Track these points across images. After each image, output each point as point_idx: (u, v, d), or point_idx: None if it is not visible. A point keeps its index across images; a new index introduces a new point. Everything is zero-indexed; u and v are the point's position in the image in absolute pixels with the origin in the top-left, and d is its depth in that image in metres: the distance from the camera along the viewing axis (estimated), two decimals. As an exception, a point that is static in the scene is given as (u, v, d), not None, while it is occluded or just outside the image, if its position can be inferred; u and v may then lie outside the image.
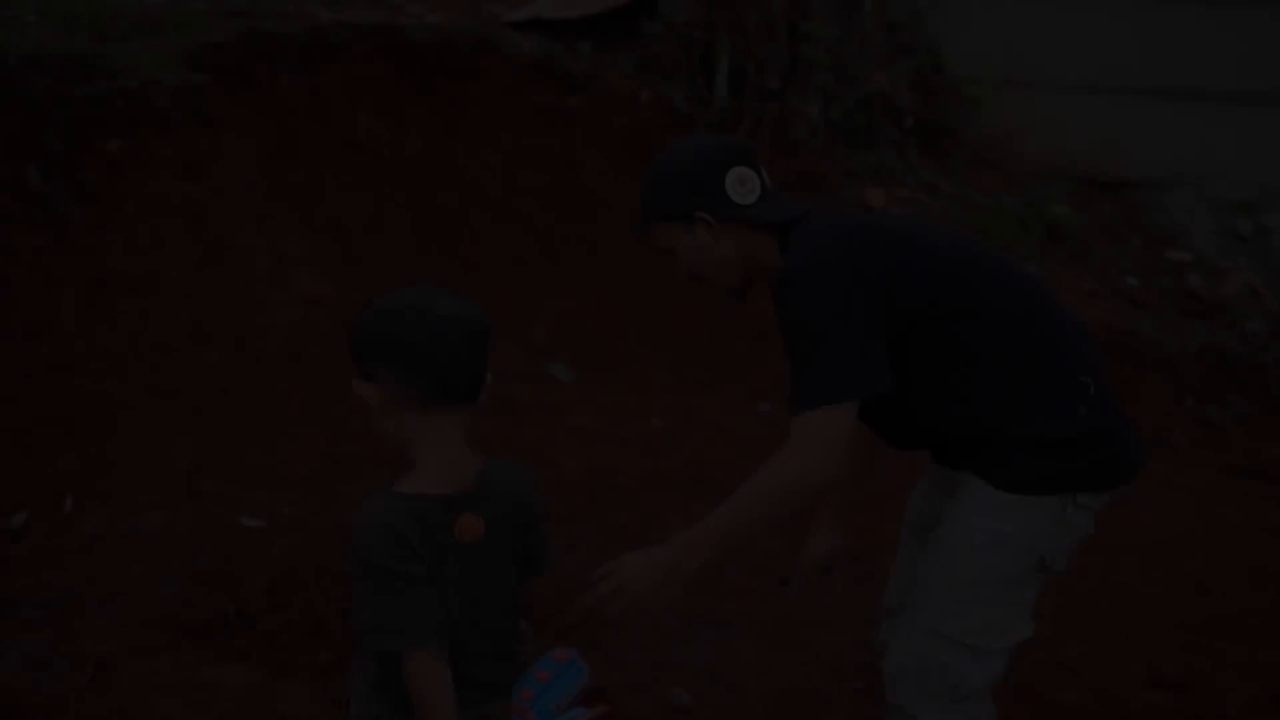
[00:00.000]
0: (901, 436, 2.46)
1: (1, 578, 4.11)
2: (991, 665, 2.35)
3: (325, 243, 6.44)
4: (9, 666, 3.59)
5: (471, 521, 1.95)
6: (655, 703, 3.60)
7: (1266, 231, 7.72)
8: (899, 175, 7.30)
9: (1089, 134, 7.71)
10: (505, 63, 7.11)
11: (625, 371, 6.66)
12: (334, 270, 5.79)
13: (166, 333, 5.16)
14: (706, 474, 5.24)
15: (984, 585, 2.28)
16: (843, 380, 2.13)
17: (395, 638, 1.87)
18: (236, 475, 4.91)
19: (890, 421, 2.39)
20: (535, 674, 2.61)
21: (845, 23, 7.27)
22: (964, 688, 2.31)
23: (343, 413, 5.30)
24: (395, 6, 7.33)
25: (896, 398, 2.21)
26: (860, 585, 3.85)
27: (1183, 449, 6.25)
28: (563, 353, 6.77)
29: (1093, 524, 2.36)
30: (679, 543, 2.17)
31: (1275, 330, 7.01)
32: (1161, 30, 7.72)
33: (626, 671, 3.66)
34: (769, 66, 7.11)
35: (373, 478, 4.46)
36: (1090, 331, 2.75)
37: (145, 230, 5.32)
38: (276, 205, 5.76)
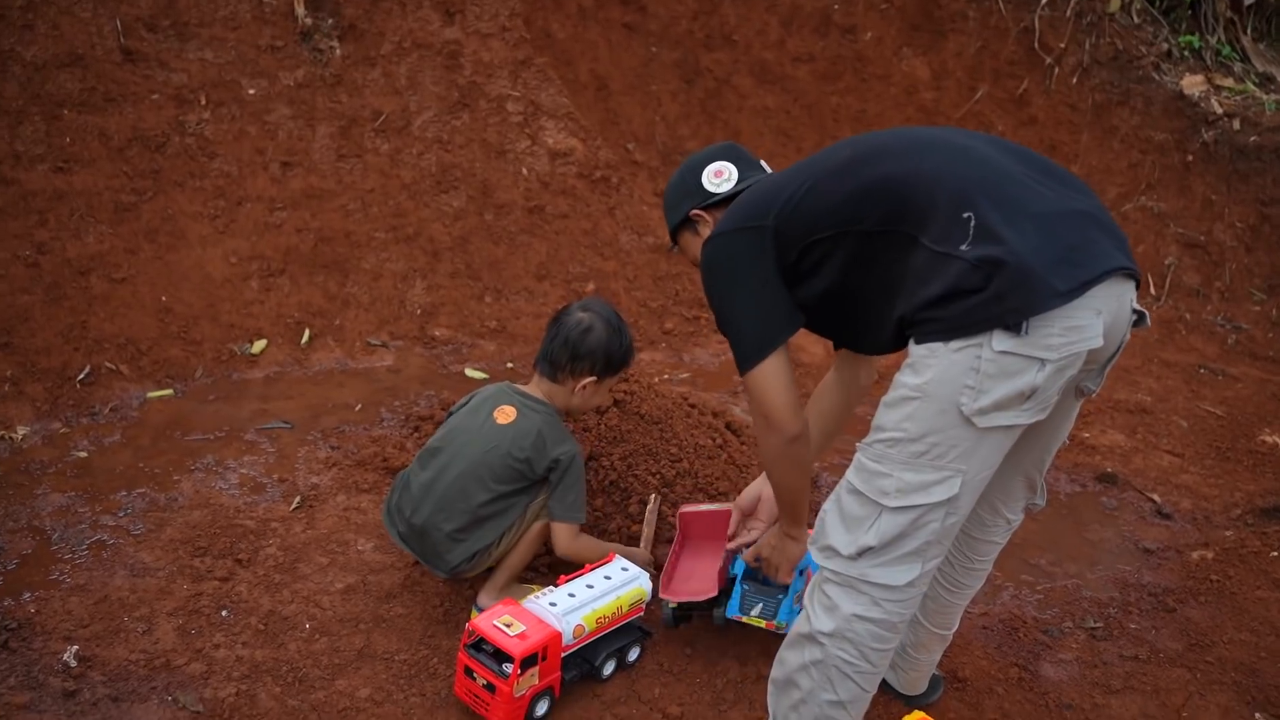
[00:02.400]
0: (874, 342, 2.49)
1: (235, 400, 4.19)
2: (896, 523, 2.28)
3: (584, 98, 6.25)
4: (227, 486, 3.64)
5: None
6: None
7: None
8: (1225, 62, 6.41)
9: None
10: (789, -84, 6.63)
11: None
12: (586, 126, 5.57)
13: (413, 175, 5.11)
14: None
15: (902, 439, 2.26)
16: (758, 339, 2.46)
17: None
18: (467, 324, 4.85)
19: (858, 336, 2.56)
20: None
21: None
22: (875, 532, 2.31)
23: (580, 271, 5.14)
24: None
25: (847, 311, 2.44)
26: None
27: None
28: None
29: (1048, 374, 2.16)
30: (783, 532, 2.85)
31: None
32: None
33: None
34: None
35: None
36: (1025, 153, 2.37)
37: (401, 70, 5.25)
38: (537, 55, 5.58)
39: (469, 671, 2.76)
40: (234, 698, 2.77)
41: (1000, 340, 2.13)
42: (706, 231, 2.71)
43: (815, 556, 2.39)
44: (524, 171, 5.28)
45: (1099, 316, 2.18)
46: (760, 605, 2.99)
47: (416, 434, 4.00)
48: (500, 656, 2.74)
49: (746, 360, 2.48)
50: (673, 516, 3.46)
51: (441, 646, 3.01)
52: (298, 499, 3.60)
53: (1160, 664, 3.22)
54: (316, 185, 4.96)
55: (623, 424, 3.72)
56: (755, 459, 3.88)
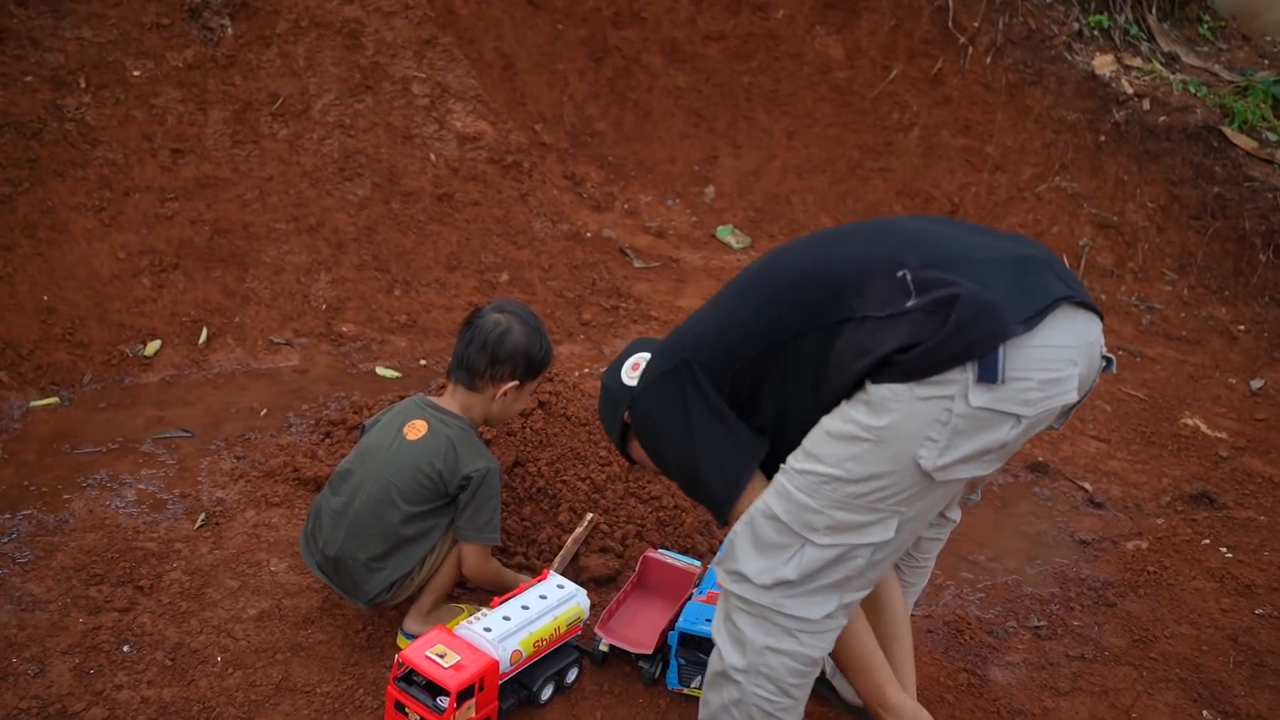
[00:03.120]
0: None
1: (128, 407, 3.91)
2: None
3: (490, 78, 6.02)
4: (124, 504, 3.38)
5: None
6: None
7: None
8: (1133, 42, 6.43)
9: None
10: (697, -111, 6.46)
11: (800, 241, 6.10)
12: (496, 108, 5.35)
13: (314, 162, 4.83)
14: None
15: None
16: (728, 476, 2.25)
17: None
18: (375, 319, 4.61)
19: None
20: None
21: None
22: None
23: (493, 261, 4.94)
24: None
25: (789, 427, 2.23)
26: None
27: None
28: (735, 214, 6.26)
29: (1021, 430, 2.04)
30: None
31: None
32: None
33: None
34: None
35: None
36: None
37: (299, 50, 4.96)
38: (441, 34, 5.32)
39: (400, 707, 2.57)
40: (141, 745, 2.54)
41: (977, 395, 1.97)
42: None
43: (721, 578, 2.24)
44: (432, 157, 5.04)
45: (1076, 368, 2.06)
46: (700, 678, 2.80)
47: (328, 440, 3.77)
48: (434, 689, 2.56)
49: (724, 503, 2.27)
50: (612, 539, 3.31)
51: (366, 676, 2.81)
52: (202, 516, 3.35)
53: (1106, 662, 3.17)
54: (210, 174, 4.66)
55: (548, 427, 3.55)
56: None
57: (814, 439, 2.13)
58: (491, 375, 2.87)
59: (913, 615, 3.25)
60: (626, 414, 2.49)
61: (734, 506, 2.26)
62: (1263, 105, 6.05)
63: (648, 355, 2.49)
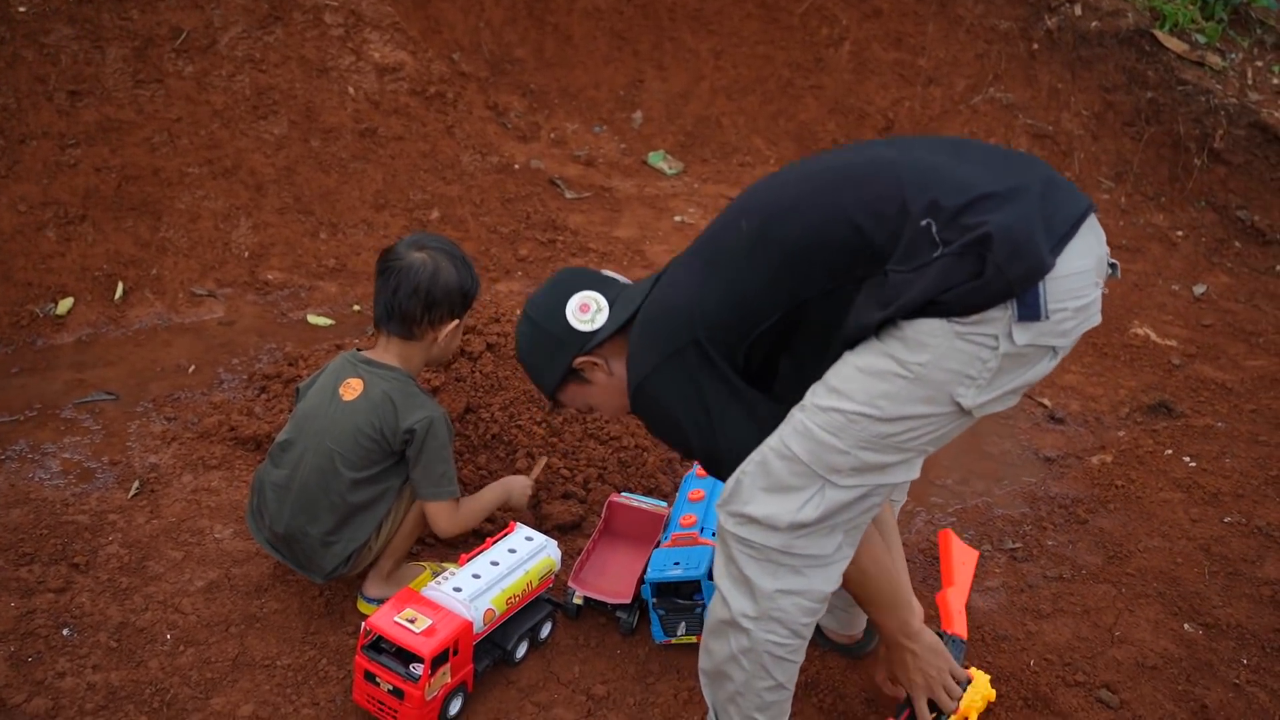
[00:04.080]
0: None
1: (43, 371, 3.65)
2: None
3: (401, 5, 5.72)
4: (49, 475, 3.15)
5: None
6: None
7: None
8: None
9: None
10: None
11: (735, 162, 5.95)
12: (414, 37, 5.08)
13: (225, 100, 4.54)
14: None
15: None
16: (736, 450, 2.09)
17: None
18: (302, 265, 4.37)
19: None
20: None
21: None
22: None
23: (421, 198, 4.71)
24: None
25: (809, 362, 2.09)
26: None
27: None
28: (665, 140, 6.07)
29: (1056, 361, 2.00)
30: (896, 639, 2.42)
31: None
32: None
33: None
34: None
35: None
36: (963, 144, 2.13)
37: (200, -20, 4.65)
38: (349, -42, 5.03)
39: (370, 677, 2.42)
40: (91, 737, 2.36)
41: (1021, 333, 1.90)
42: (601, 376, 2.33)
43: (724, 521, 2.11)
44: (350, 91, 4.77)
45: (1098, 289, 2.00)
46: (684, 624, 2.70)
47: (264, 395, 3.55)
48: (406, 656, 2.41)
49: (735, 455, 2.11)
50: (573, 484, 3.17)
51: (329, 645, 2.65)
52: (136, 484, 3.14)
53: (1084, 581, 3.12)
54: (113, 116, 4.35)
55: (499, 370, 3.38)
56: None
57: (841, 374, 2.00)
58: (430, 320, 2.66)
59: (887, 544, 3.18)
60: (577, 361, 2.30)
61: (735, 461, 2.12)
62: (1190, 7, 6.00)
63: (596, 295, 2.30)
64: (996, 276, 1.86)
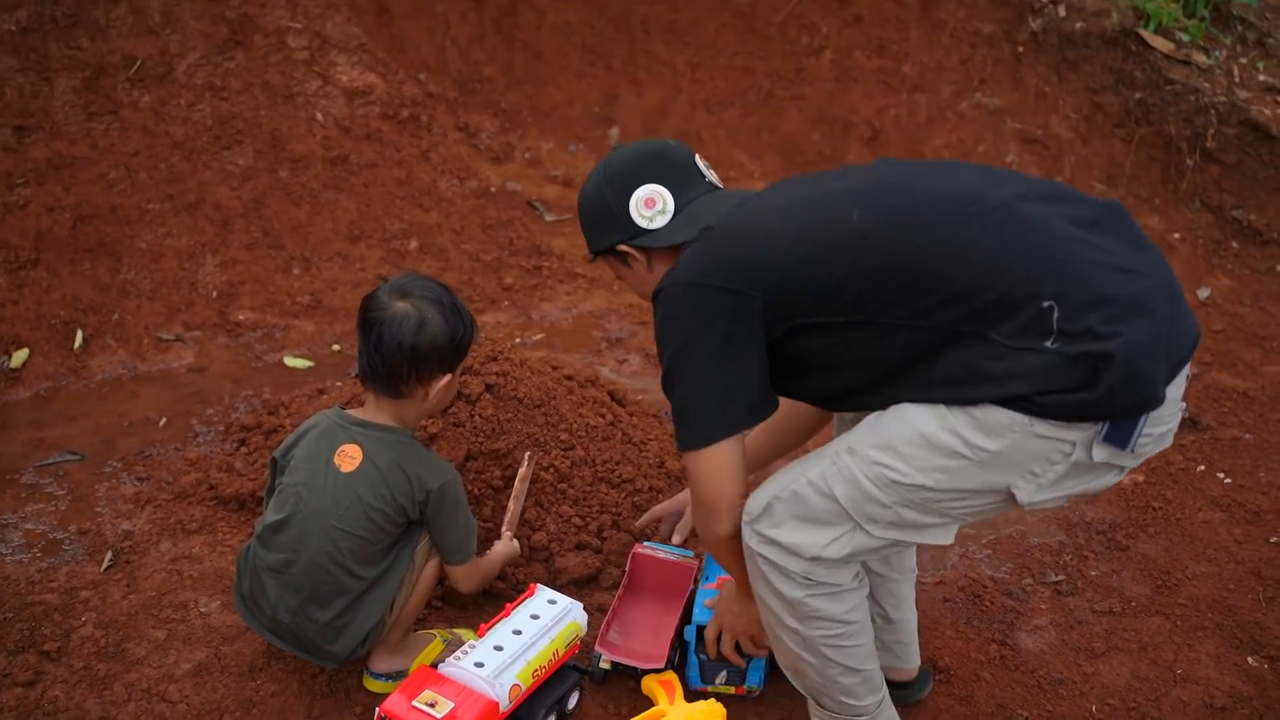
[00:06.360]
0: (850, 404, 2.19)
1: (0, 430, 3.37)
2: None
3: (363, 25, 5.48)
4: (10, 550, 2.88)
5: None
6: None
7: None
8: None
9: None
10: None
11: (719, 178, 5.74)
12: (382, 58, 4.84)
13: (185, 131, 4.28)
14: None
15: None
16: (710, 421, 2.03)
17: None
18: (275, 303, 4.11)
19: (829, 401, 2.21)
20: None
21: None
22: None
23: (399, 227, 4.47)
24: None
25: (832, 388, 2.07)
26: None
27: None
28: (643, 157, 5.85)
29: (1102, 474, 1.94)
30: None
31: None
32: None
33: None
34: None
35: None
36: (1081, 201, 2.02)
37: (154, 4, 4.37)
38: (309, -22, 4.78)
39: (387, 768, 2.18)
40: None
41: (1100, 451, 1.86)
42: (640, 269, 2.23)
43: (750, 539, 2.05)
44: (318, 117, 4.52)
45: (1180, 414, 1.98)
46: (724, 673, 2.52)
47: (244, 449, 3.29)
48: (426, 745, 2.17)
49: (692, 440, 2.06)
50: (587, 533, 2.95)
51: (335, 729, 2.40)
52: (109, 555, 2.87)
53: (1135, 614, 2.93)
54: (65, 152, 4.08)
55: (499, 413, 3.13)
56: (649, 432, 3.38)
57: (900, 433, 1.89)
58: (418, 377, 2.38)
59: (926, 583, 2.98)
60: (621, 246, 2.20)
61: (697, 452, 2.06)
62: (1173, 4, 5.88)
63: (667, 194, 2.16)
64: (1105, 399, 1.78)
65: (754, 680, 2.52)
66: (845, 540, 1.99)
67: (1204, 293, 4.95)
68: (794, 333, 1.99)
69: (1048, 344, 1.79)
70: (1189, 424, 3.83)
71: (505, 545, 2.72)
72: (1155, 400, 1.81)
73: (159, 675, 2.50)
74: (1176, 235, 5.37)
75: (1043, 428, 1.82)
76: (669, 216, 2.17)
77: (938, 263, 1.87)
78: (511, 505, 2.81)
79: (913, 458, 1.88)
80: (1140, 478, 3.52)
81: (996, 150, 5.67)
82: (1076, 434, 1.83)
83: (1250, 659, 2.79)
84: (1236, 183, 5.47)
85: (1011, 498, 1.91)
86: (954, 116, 5.76)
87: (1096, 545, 3.21)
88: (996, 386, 1.82)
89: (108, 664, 2.52)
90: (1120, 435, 1.84)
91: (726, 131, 5.94)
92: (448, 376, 2.42)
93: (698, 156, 2.24)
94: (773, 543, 2.02)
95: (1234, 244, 5.34)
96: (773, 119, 5.92)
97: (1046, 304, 1.80)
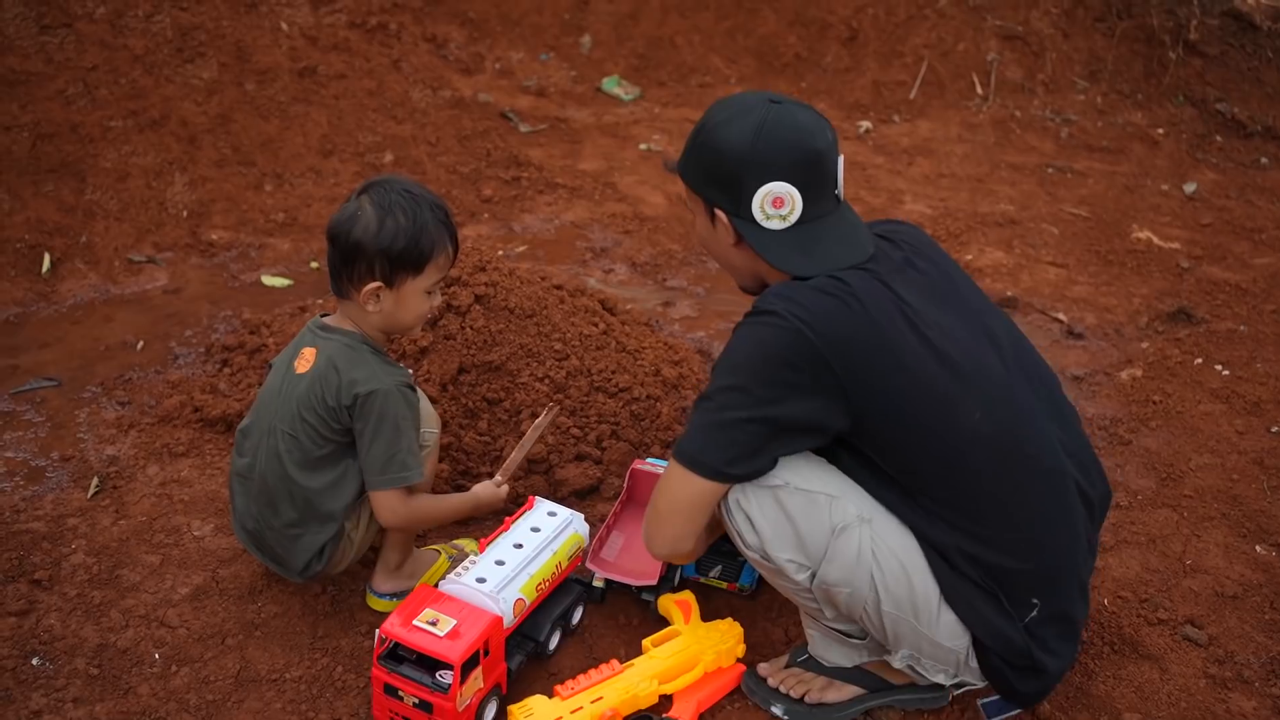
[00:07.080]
0: None
1: (-30, 360, 3.26)
2: None
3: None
4: (-10, 478, 2.78)
5: None
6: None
7: None
8: None
9: None
10: None
11: (693, 84, 5.62)
12: (344, -37, 4.66)
13: (145, 44, 4.10)
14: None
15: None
16: (713, 457, 2.01)
17: None
18: (248, 221, 3.99)
19: None
20: None
21: None
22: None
23: (372, 140, 4.33)
24: None
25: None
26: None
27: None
28: (617, 64, 5.71)
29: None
30: None
31: None
32: None
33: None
34: None
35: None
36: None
37: (105, -89, 4.17)
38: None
39: (391, 690, 2.11)
40: (83, 784, 2.05)
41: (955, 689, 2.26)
42: (724, 236, 2.10)
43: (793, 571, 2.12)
44: (284, 26, 4.35)
45: None
46: (719, 567, 2.50)
47: (227, 369, 3.20)
48: (430, 664, 2.11)
49: (687, 456, 2.03)
50: (586, 443, 2.88)
51: (342, 649, 2.34)
52: (95, 481, 2.78)
53: (1143, 508, 2.91)
54: (19, 68, 3.90)
55: (491, 324, 3.05)
56: (643, 340, 3.31)
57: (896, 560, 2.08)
58: (349, 276, 2.24)
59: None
60: (721, 215, 2.07)
61: (684, 468, 2.03)
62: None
63: (799, 199, 2.02)
64: (1012, 693, 2.16)
65: (747, 580, 2.49)
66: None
67: (1190, 187, 4.90)
68: (839, 443, 2.04)
69: (1023, 625, 2.06)
70: (1183, 316, 3.80)
71: (487, 490, 2.54)
72: (1031, 701, 2.23)
73: (156, 600, 2.43)
74: (1160, 130, 5.31)
75: (973, 662, 2.11)
76: (787, 225, 2.05)
77: (995, 509, 2.02)
78: (515, 452, 2.65)
79: (849, 577, 2.07)
80: (1139, 372, 3.49)
81: (977, 48, 5.56)
82: (968, 680, 2.16)
83: (1258, 547, 2.78)
84: (1220, 75, 5.41)
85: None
86: (933, 15, 5.63)
87: (1099, 440, 3.18)
88: (971, 621, 2.07)
89: (102, 590, 2.45)
90: (993, 710, 2.23)
91: (701, 35, 5.80)
92: (377, 284, 2.23)
93: (841, 159, 2.10)
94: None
95: (1218, 137, 5.29)
96: (748, 21, 5.77)
97: (1035, 600, 2.06)
